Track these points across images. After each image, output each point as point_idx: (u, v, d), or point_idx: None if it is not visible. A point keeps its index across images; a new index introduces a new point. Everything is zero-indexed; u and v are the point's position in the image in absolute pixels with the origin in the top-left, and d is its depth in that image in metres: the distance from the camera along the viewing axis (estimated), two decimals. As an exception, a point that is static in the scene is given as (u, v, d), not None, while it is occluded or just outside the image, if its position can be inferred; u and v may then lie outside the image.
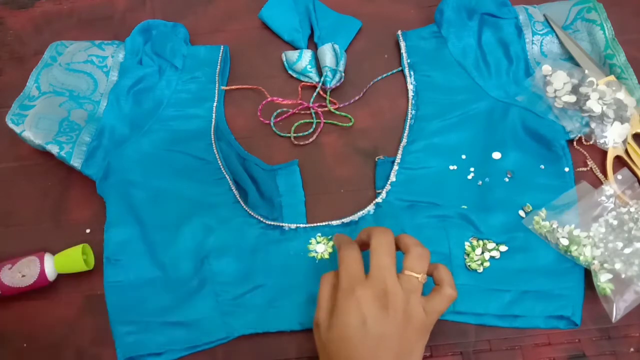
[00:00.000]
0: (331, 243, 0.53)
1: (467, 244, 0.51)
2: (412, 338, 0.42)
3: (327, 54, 0.60)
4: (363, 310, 0.41)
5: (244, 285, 0.52)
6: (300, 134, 0.59)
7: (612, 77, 0.56)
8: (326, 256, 0.52)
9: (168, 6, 0.67)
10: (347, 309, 0.41)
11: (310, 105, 0.60)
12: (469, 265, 0.51)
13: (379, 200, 0.54)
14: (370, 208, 0.54)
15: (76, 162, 0.56)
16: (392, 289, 0.41)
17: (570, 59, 0.59)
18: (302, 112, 0.61)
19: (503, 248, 0.51)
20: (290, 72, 0.62)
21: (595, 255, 0.49)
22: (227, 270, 0.52)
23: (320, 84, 0.60)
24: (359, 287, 0.41)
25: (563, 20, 0.60)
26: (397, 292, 0.41)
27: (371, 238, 0.44)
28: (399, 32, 0.62)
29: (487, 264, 0.51)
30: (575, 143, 0.56)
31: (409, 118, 0.58)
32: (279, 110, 0.61)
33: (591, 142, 0.56)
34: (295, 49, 0.63)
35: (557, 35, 0.59)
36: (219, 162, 0.57)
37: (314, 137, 0.59)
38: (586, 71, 0.56)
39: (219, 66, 0.62)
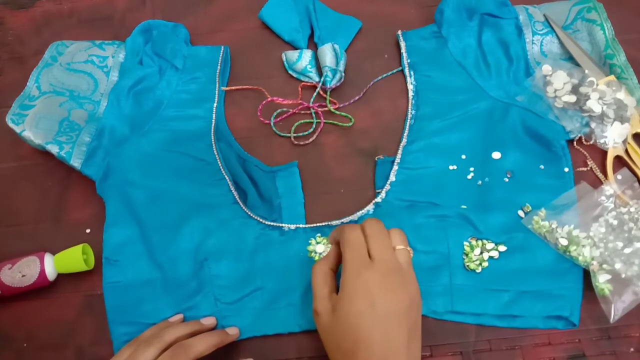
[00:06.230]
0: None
1: (465, 244, 0.51)
2: (417, 311, 0.42)
3: (327, 54, 0.60)
4: (372, 293, 0.40)
5: (243, 288, 0.52)
6: (300, 134, 0.59)
7: (612, 77, 0.56)
8: (326, 256, 0.52)
9: (168, 6, 0.67)
10: (354, 292, 0.41)
11: (310, 105, 0.60)
12: (468, 266, 0.51)
13: (378, 200, 0.54)
14: (370, 208, 0.54)
15: (76, 162, 0.56)
16: (397, 267, 0.42)
17: (570, 59, 0.59)
18: (302, 112, 0.61)
19: (502, 248, 0.51)
20: (290, 72, 0.62)
21: (594, 255, 0.49)
22: (226, 273, 0.52)
23: (320, 84, 0.60)
24: (365, 270, 0.41)
25: (563, 20, 0.60)
26: (400, 270, 0.42)
27: (365, 227, 0.44)
28: (399, 32, 0.62)
29: (485, 264, 0.51)
30: (575, 143, 0.56)
31: (409, 118, 0.58)
32: (279, 110, 0.61)
33: (591, 142, 0.56)
34: (295, 49, 0.63)
35: (557, 35, 0.59)
36: (219, 163, 0.56)
37: (314, 137, 0.59)
38: (586, 71, 0.56)
39: (219, 67, 0.62)
